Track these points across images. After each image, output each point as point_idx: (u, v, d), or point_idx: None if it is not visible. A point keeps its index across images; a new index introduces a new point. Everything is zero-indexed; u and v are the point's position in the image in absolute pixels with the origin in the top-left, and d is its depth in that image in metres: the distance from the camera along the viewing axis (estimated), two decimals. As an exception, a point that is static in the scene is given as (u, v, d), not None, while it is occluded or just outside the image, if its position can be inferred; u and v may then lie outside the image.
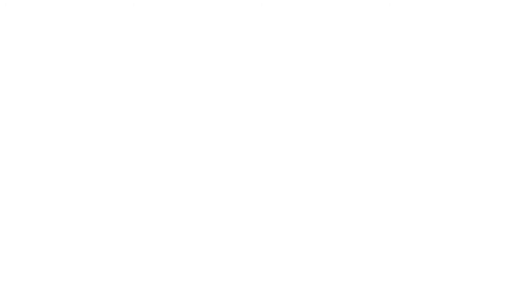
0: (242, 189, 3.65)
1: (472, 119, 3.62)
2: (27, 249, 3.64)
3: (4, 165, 3.64)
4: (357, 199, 3.63)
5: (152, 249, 3.65)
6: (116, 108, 3.66)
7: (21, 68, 3.66)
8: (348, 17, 3.63)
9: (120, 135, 3.65)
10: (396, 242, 3.63)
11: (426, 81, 3.64)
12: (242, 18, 3.65)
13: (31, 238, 3.64)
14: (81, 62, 3.66)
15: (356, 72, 3.64)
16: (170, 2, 3.66)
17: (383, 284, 3.62)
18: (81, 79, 3.66)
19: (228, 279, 3.65)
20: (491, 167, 3.61)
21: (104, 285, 3.64)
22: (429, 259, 3.62)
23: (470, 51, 3.63)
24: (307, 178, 3.64)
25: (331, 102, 3.64)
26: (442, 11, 3.62)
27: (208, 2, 3.66)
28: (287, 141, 3.65)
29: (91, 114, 3.66)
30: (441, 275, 3.61)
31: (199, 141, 3.66)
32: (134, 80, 3.67)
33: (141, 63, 3.67)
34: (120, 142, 3.65)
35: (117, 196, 3.64)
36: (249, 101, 3.65)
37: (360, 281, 3.62)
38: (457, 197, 3.61)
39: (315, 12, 3.64)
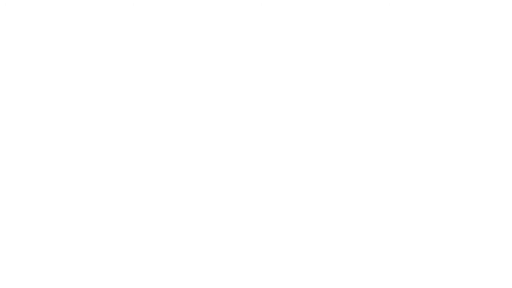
0: (242, 189, 3.65)
1: (472, 119, 3.62)
2: (27, 249, 3.64)
3: (4, 165, 3.64)
4: (357, 199, 3.64)
5: (152, 249, 3.65)
6: (116, 107, 3.66)
7: (21, 68, 3.66)
8: (348, 17, 3.64)
9: (120, 135, 3.65)
10: (395, 242, 3.63)
11: (426, 81, 3.64)
12: (242, 18, 3.65)
13: (31, 238, 3.64)
14: (81, 62, 3.67)
15: (356, 72, 3.64)
16: (170, 2, 3.66)
17: (383, 284, 3.62)
18: (81, 79, 3.66)
19: (228, 279, 3.65)
20: (491, 167, 3.61)
21: (104, 285, 3.64)
22: (429, 259, 3.62)
23: (470, 51, 3.63)
24: (307, 178, 3.64)
25: (331, 102, 3.65)
26: (442, 11, 3.63)
27: (208, 2, 3.66)
28: (287, 141, 3.65)
29: (91, 114, 3.66)
30: (441, 275, 3.62)
31: (199, 141, 3.66)
32: (134, 80, 3.67)
33: (141, 63, 3.67)
34: (120, 142, 3.65)
35: (117, 196, 3.65)
36: (249, 101, 3.66)
37: (360, 281, 3.63)
38: (457, 197, 3.62)
39: (315, 12, 3.64)
